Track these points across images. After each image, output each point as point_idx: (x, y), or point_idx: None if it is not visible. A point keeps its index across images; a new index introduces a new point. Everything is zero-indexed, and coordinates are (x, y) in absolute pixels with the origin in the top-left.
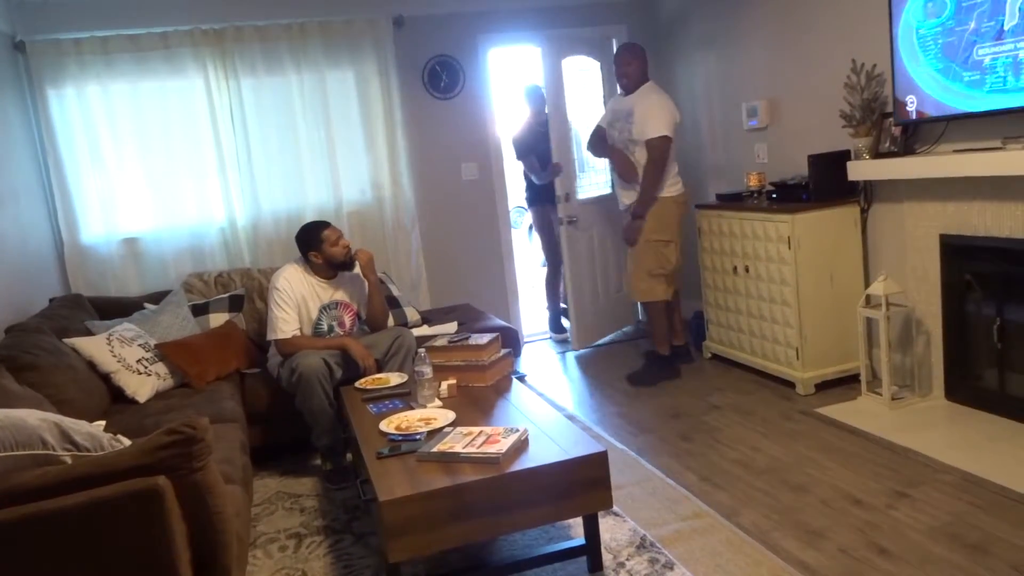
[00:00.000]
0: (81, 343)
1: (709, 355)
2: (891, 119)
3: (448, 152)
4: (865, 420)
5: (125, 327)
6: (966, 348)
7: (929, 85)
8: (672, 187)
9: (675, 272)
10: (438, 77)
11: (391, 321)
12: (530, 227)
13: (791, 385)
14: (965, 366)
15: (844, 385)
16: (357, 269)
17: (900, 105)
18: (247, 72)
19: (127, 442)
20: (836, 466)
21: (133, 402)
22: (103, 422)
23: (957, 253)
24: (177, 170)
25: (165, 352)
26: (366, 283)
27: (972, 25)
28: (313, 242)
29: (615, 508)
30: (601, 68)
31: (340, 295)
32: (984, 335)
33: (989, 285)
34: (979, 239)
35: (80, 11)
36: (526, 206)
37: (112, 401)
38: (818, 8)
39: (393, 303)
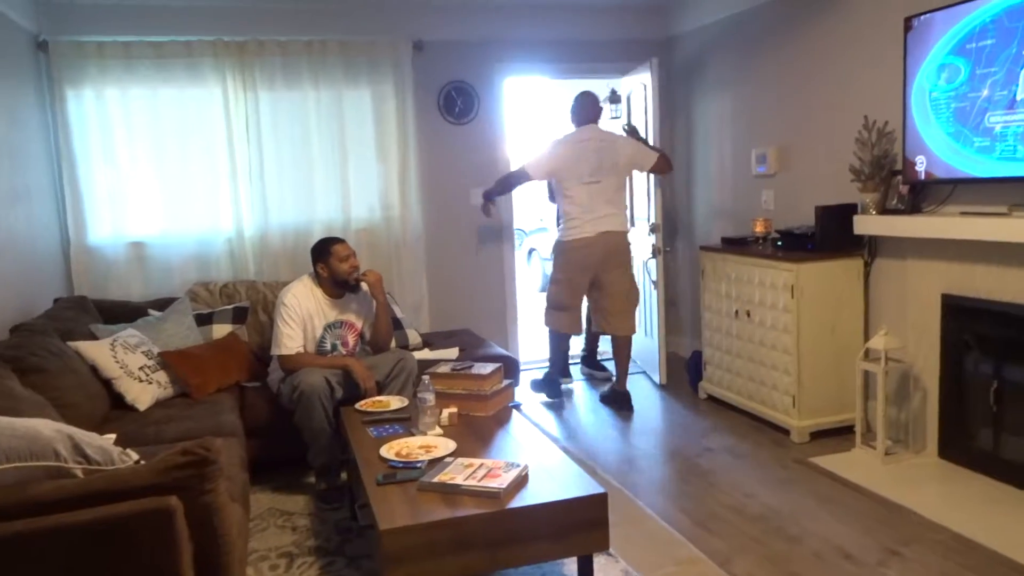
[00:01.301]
0: (85, 347)
1: (705, 396)
2: (899, 177)
3: (458, 176)
4: (858, 473)
5: (129, 333)
6: (962, 408)
7: (939, 147)
8: (563, 232)
9: (570, 306)
10: (453, 102)
11: (393, 343)
12: (529, 251)
13: (786, 432)
14: (960, 426)
15: (839, 436)
16: (365, 288)
17: (909, 164)
18: (266, 85)
19: (135, 456)
20: (829, 518)
21: (133, 409)
22: (113, 435)
23: (958, 313)
24: (189, 177)
25: (168, 361)
26: (374, 303)
27: (985, 92)
28: (323, 254)
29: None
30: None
31: (346, 315)
32: (981, 396)
33: (988, 347)
34: (981, 301)
35: (105, 15)
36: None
37: (112, 407)
38: (834, 62)
39: (396, 324)
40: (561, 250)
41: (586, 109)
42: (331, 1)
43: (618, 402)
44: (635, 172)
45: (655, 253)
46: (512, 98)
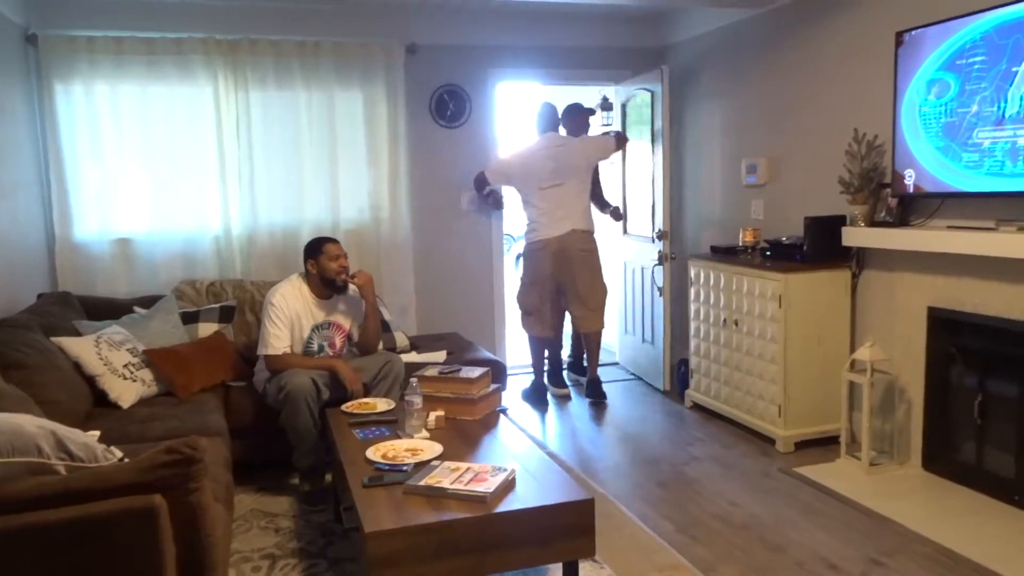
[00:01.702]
0: (68, 343)
1: (690, 404)
2: (888, 190)
3: (449, 180)
4: (843, 483)
5: (114, 330)
6: (946, 420)
7: (928, 161)
8: (527, 236)
9: (538, 310)
10: (445, 105)
11: (380, 346)
12: (517, 256)
13: (771, 441)
14: (944, 438)
15: (823, 446)
16: (352, 291)
17: (898, 177)
18: (257, 85)
19: (119, 454)
20: (813, 528)
21: (116, 407)
22: (97, 432)
23: (944, 326)
24: (177, 175)
25: (153, 359)
26: (363, 304)
27: (974, 108)
28: (315, 251)
29: None
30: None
31: (334, 316)
32: (965, 409)
33: (973, 360)
34: (967, 315)
35: (96, 10)
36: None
37: (95, 404)
38: (825, 74)
39: (383, 327)
40: (525, 254)
41: (545, 119)
42: (325, 2)
43: (592, 390)
44: (647, 180)
45: (661, 260)
46: (504, 103)
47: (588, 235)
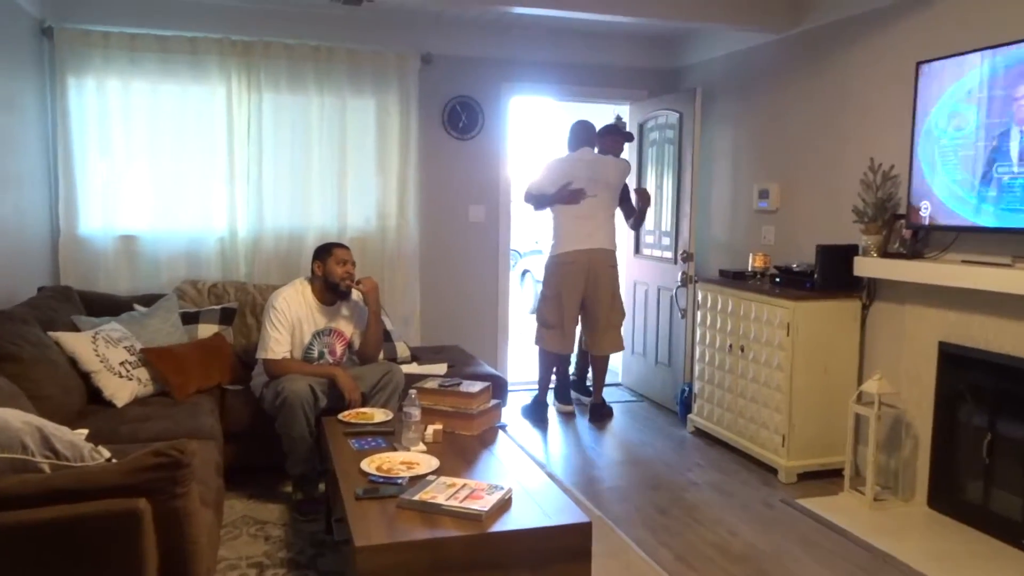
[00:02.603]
0: (65, 338)
1: (692, 428)
2: (903, 221)
3: (458, 192)
4: (845, 518)
5: (112, 327)
6: (953, 458)
7: (944, 193)
8: (554, 247)
9: (559, 325)
10: (458, 117)
11: (381, 355)
12: (523, 272)
13: (773, 471)
14: (951, 476)
15: (827, 478)
16: (356, 297)
17: (913, 209)
18: (270, 87)
19: (106, 454)
20: (812, 562)
21: (110, 405)
22: (86, 430)
23: (954, 362)
24: (185, 174)
25: (150, 358)
26: (366, 312)
27: (994, 143)
28: (323, 253)
29: None
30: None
31: (336, 323)
32: (973, 448)
33: (983, 399)
34: (978, 352)
35: (113, 5)
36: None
37: (88, 401)
38: (843, 102)
39: (385, 336)
40: (550, 265)
41: (579, 135)
42: (341, 8)
43: (595, 414)
44: (668, 201)
45: (684, 282)
46: (517, 117)
47: (613, 255)
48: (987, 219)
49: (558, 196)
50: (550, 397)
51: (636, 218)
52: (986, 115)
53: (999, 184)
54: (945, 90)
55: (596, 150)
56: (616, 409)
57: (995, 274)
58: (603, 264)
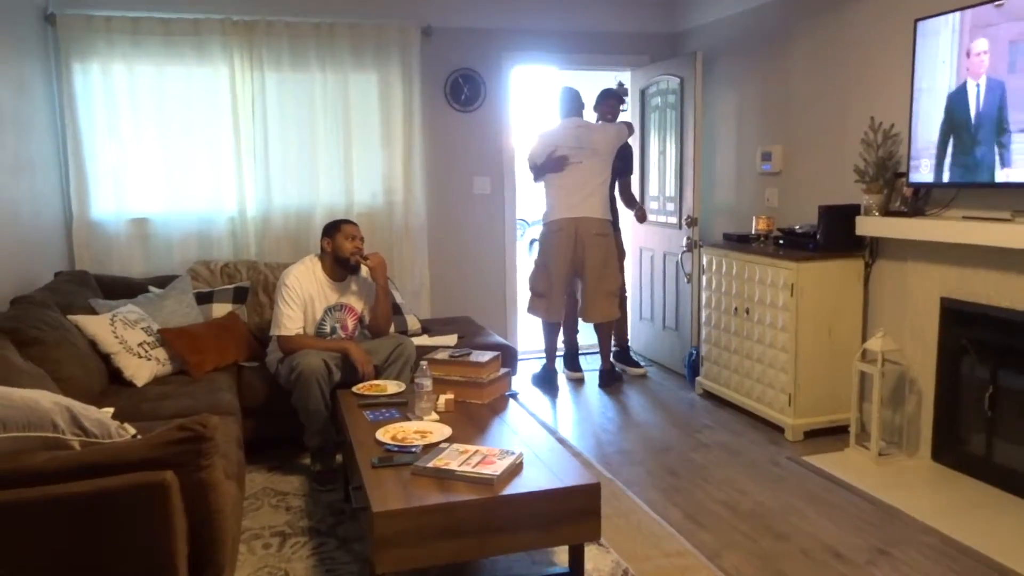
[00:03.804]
0: (84, 321)
1: (701, 391)
2: (904, 179)
3: (463, 164)
4: (851, 473)
5: (129, 309)
6: (956, 412)
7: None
8: (544, 216)
9: (547, 292)
10: (460, 89)
11: (392, 328)
12: (531, 242)
13: (780, 430)
14: (954, 429)
15: (833, 435)
16: (364, 273)
17: (914, 167)
18: (273, 66)
19: (132, 431)
20: (819, 517)
21: (130, 385)
22: (111, 409)
23: (956, 318)
24: (193, 156)
25: (167, 338)
26: (375, 287)
27: (991, 98)
28: (332, 229)
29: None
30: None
31: (347, 298)
32: (976, 401)
33: (985, 353)
34: (980, 307)
35: None
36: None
37: (109, 381)
38: (842, 62)
39: (395, 310)
40: (542, 234)
41: (567, 103)
42: None
43: (605, 379)
44: (671, 166)
45: (690, 247)
46: (519, 87)
47: (604, 223)
48: (986, 175)
49: (546, 165)
50: (560, 364)
51: (625, 189)
52: (982, 70)
53: (998, 140)
54: (943, 46)
55: (596, 116)
56: (621, 370)
57: (995, 229)
58: (590, 232)
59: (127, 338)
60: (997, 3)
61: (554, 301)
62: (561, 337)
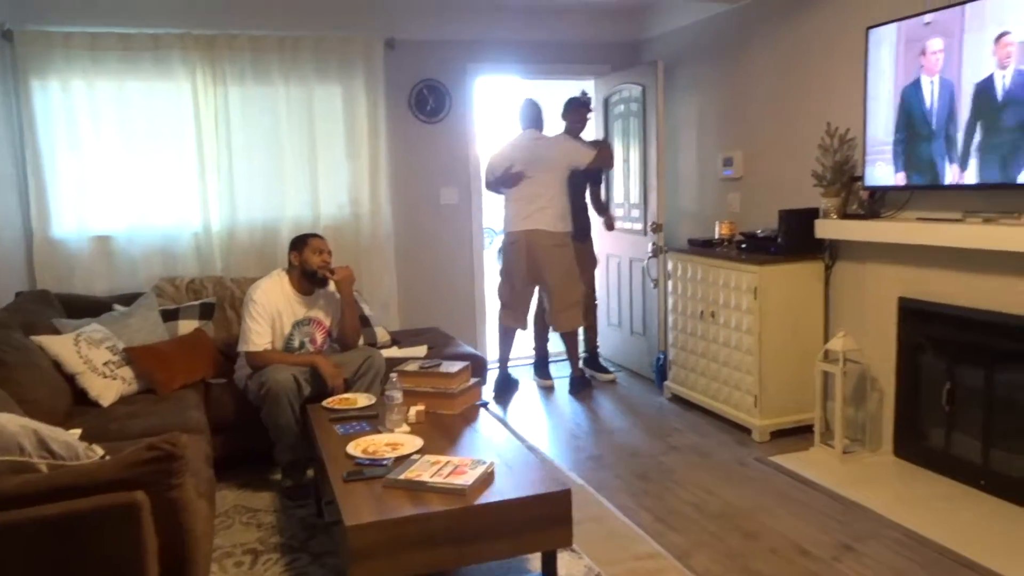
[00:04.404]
0: (48, 341)
1: (669, 395)
2: (860, 182)
3: (429, 175)
4: (817, 471)
5: (94, 328)
6: (917, 408)
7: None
8: (503, 229)
9: (510, 303)
10: (425, 101)
11: (361, 341)
12: (499, 250)
13: (747, 431)
14: (914, 425)
15: (798, 435)
16: (331, 287)
17: (869, 171)
18: (235, 80)
19: (100, 452)
20: (787, 515)
21: (96, 405)
22: (79, 430)
23: (914, 316)
24: (156, 171)
25: (133, 356)
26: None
27: (939, 102)
28: (300, 243)
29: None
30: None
31: (314, 312)
32: (934, 397)
33: (942, 349)
34: (936, 305)
35: (72, 5)
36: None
37: (75, 402)
38: (799, 68)
39: (364, 322)
40: (501, 245)
41: (526, 115)
42: None
43: (574, 386)
44: (636, 173)
45: (656, 253)
46: (484, 97)
47: (559, 235)
48: (935, 177)
49: (501, 179)
50: (530, 372)
51: (595, 198)
52: (929, 76)
53: (947, 142)
54: (894, 53)
55: (564, 125)
56: (591, 377)
57: (947, 229)
58: (542, 245)
59: (92, 357)
60: (926, 22)
61: (518, 311)
62: (532, 344)
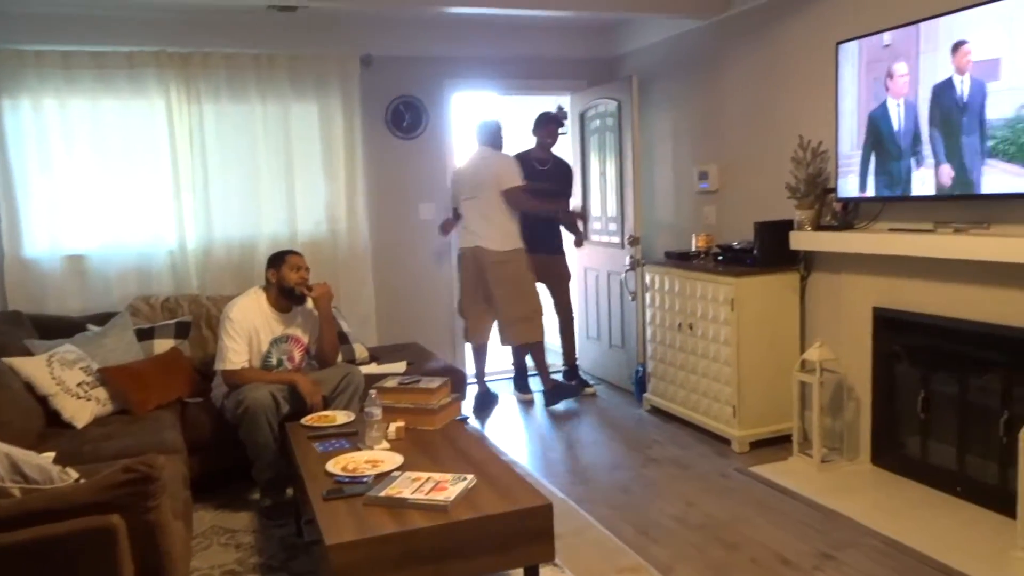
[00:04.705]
0: (19, 363)
1: (648, 407)
2: (833, 194)
3: (407, 191)
4: (796, 481)
5: (67, 348)
6: (893, 416)
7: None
8: None
9: (467, 317)
10: (401, 117)
11: (339, 358)
12: None
13: (727, 442)
14: (891, 433)
15: (777, 445)
16: (309, 304)
17: (841, 183)
18: (210, 98)
19: (75, 475)
20: (767, 525)
21: (70, 426)
22: (52, 453)
23: (888, 326)
24: (130, 190)
25: (107, 377)
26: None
27: (906, 116)
28: (277, 260)
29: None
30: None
31: (292, 329)
32: (910, 405)
33: (917, 358)
34: (909, 314)
35: (44, 23)
36: None
37: (48, 424)
38: (772, 82)
39: (342, 339)
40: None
41: (480, 132)
42: (278, 14)
43: (548, 399)
44: (612, 187)
45: (633, 265)
46: (461, 113)
47: (499, 253)
48: (906, 188)
49: (453, 202)
50: (509, 387)
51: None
52: (897, 90)
53: (916, 154)
54: (863, 67)
55: (536, 140)
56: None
57: (918, 240)
58: (487, 262)
59: (65, 379)
60: (885, 44)
61: (471, 324)
62: (511, 360)
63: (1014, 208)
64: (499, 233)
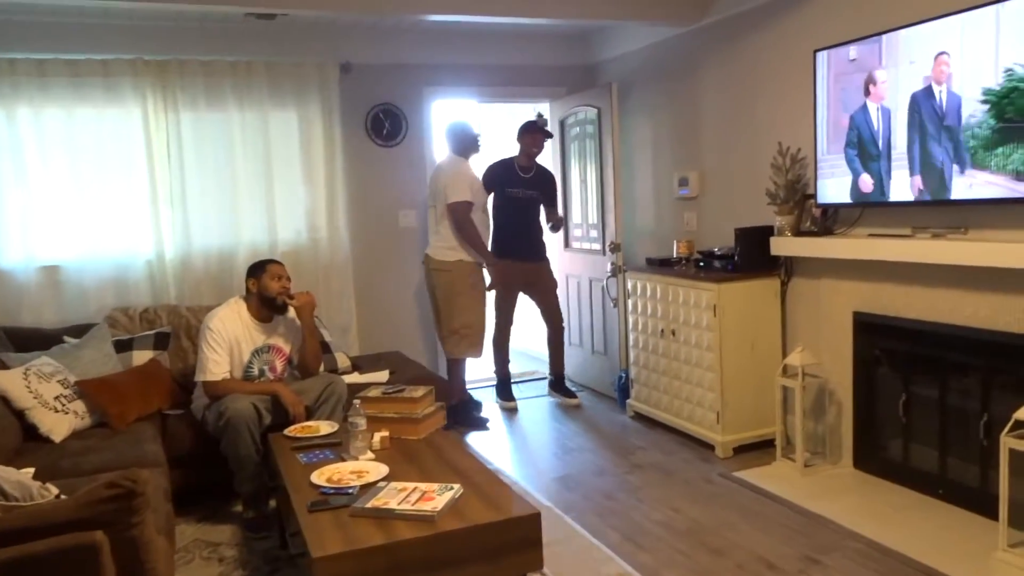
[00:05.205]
0: None
1: (632, 413)
2: (812, 200)
3: (387, 199)
4: (779, 485)
5: (44, 361)
6: (874, 420)
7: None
8: None
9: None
10: (381, 124)
11: (322, 367)
12: None
13: (711, 447)
14: (873, 437)
15: (761, 449)
16: (291, 314)
17: (820, 189)
18: (188, 106)
19: (55, 491)
20: (752, 530)
21: (48, 441)
22: (31, 469)
23: (869, 330)
24: (106, 199)
25: (85, 390)
26: (301, 327)
27: (883, 122)
28: (258, 270)
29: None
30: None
31: (273, 339)
32: (891, 408)
33: (897, 362)
34: (889, 318)
35: (18, 31)
36: None
37: (25, 439)
38: (751, 90)
39: (324, 348)
40: None
41: (447, 138)
42: (256, 21)
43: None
44: (593, 194)
45: (615, 272)
46: (441, 121)
47: (437, 261)
48: (883, 194)
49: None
50: (492, 395)
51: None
52: (874, 97)
53: (893, 160)
54: (840, 75)
55: (519, 148)
56: (555, 401)
57: (896, 245)
58: (428, 269)
59: (42, 392)
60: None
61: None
62: (495, 365)
63: (990, 213)
64: (443, 243)
